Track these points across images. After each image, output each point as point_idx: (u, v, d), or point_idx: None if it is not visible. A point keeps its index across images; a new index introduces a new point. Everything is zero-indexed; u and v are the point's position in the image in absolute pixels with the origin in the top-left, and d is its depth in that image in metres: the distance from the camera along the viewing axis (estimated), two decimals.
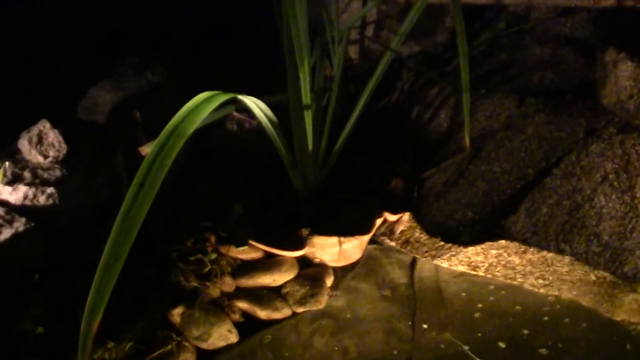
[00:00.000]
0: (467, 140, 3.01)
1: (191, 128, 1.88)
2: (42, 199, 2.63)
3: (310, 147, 2.80)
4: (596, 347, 2.54)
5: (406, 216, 3.07)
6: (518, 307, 2.74)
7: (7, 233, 2.48)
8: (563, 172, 2.84)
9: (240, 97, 2.27)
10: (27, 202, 2.63)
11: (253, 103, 2.43)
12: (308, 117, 2.75)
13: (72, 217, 2.72)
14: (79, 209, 2.76)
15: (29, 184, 2.65)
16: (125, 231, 1.76)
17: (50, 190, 2.65)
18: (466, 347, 2.52)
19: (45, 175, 2.72)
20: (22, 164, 2.77)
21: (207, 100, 1.97)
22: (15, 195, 2.63)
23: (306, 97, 2.69)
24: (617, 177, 2.73)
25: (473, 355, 2.47)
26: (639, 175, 2.72)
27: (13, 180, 2.68)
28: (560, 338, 2.57)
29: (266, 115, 2.55)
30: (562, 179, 2.83)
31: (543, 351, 2.49)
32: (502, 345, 2.53)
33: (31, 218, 2.59)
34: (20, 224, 2.53)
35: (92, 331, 1.75)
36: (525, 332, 2.63)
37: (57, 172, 2.75)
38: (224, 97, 2.03)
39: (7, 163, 2.68)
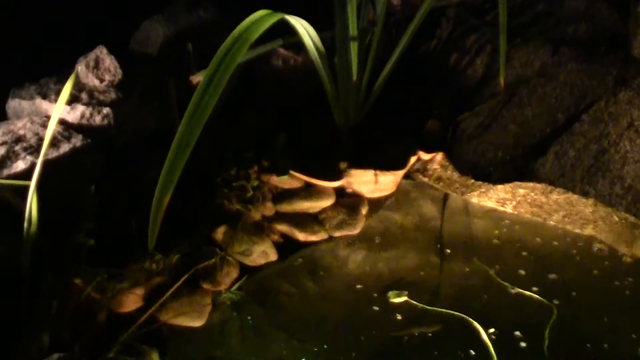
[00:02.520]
0: (502, 81, 3.16)
1: (253, 36, 2.06)
2: (98, 119, 2.81)
3: (354, 77, 2.96)
4: (613, 280, 2.72)
5: (439, 156, 3.24)
6: (540, 241, 2.92)
7: (65, 147, 2.66)
8: (591, 118, 2.99)
9: (289, 18, 2.43)
10: (84, 122, 2.81)
11: (302, 28, 2.59)
12: (354, 48, 2.91)
13: (126, 139, 2.88)
14: (132, 131, 2.92)
15: (86, 104, 2.81)
16: (195, 120, 1.96)
17: (106, 110, 2.82)
18: (492, 272, 2.67)
19: (101, 97, 2.90)
20: (79, 86, 2.95)
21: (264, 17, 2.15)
22: (72, 114, 2.81)
23: (353, 29, 2.85)
24: None
25: (497, 278, 2.64)
26: None
27: (70, 101, 2.86)
28: (579, 271, 2.76)
29: (314, 44, 2.71)
30: (590, 124, 2.98)
31: (556, 278, 2.67)
32: (522, 272, 2.69)
33: (87, 136, 2.76)
34: (77, 140, 2.71)
35: (162, 207, 1.96)
36: (546, 263, 2.80)
37: (113, 95, 2.92)
38: (275, 18, 2.21)
39: (79, 67, 2.86)
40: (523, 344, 2.44)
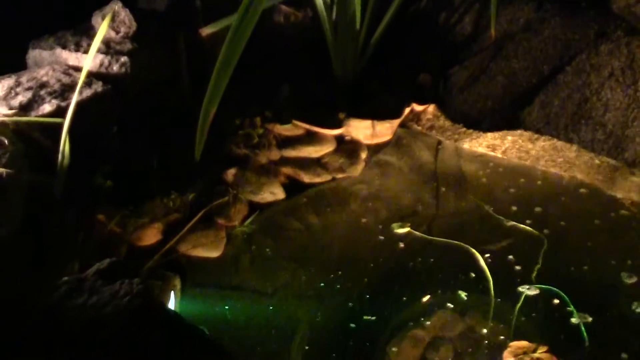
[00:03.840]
0: (492, 32, 3.40)
1: None
2: (115, 67, 3.01)
3: (357, 25, 3.19)
4: (595, 215, 2.99)
5: (431, 107, 3.49)
6: (529, 182, 3.17)
7: (87, 92, 2.85)
8: (574, 69, 3.25)
9: None
10: (102, 70, 3.00)
11: None
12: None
13: (140, 87, 3.08)
14: (147, 80, 3.12)
15: (104, 54, 3.02)
16: (234, 44, 2.21)
17: (123, 59, 3.02)
18: (487, 207, 2.93)
19: (118, 47, 3.09)
20: None
21: None
22: (92, 62, 3.00)
23: None
24: (623, 73, 3.14)
25: (491, 211, 2.89)
26: None
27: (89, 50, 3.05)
28: (565, 207, 3.03)
29: None
30: (573, 75, 3.24)
31: (545, 213, 2.98)
32: (514, 208, 2.94)
33: (107, 83, 2.96)
34: (98, 86, 2.91)
35: (209, 118, 2.25)
36: (535, 200, 3.05)
37: (128, 46, 3.11)
38: None
39: (95, 20, 3.05)
40: (517, 267, 2.62)
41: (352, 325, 2.50)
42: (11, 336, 1.74)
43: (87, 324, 1.80)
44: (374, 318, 2.53)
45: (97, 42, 2.60)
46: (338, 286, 2.66)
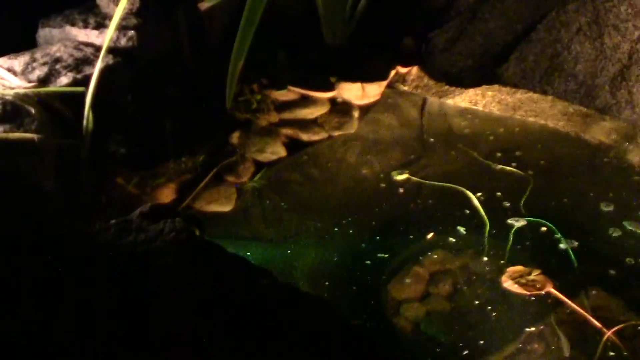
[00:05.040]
0: None
1: None
2: (123, 41, 3.24)
3: None
4: (571, 155, 3.29)
5: (415, 69, 3.76)
6: (510, 131, 3.46)
7: (100, 65, 3.08)
8: (545, 26, 3.55)
9: None
10: (111, 44, 3.22)
11: None
12: None
13: (148, 59, 3.32)
14: (153, 53, 3.36)
15: None
16: (256, 5, 2.43)
17: (130, 33, 3.25)
18: (474, 154, 3.22)
19: (124, 23, 3.31)
20: (102, 15, 3.38)
21: None
22: (101, 37, 3.22)
23: None
24: (589, 28, 3.44)
25: (478, 156, 3.19)
26: (607, 26, 3.39)
27: (97, 27, 3.28)
28: (545, 151, 3.32)
29: None
30: (544, 32, 3.54)
31: (527, 156, 3.27)
32: (499, 154, 3.23)
33: (116, 56, 3.20)
34: (109, 59, 3.13)
35: (237, 71, 2.48)
36: (517, 146, 3.34)
37: (134, 21, 3.33)
38: None
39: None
40: (507, 204, 2.92)
41: (368, 262, 2.72)
42: (76, 270, 1.95)
43: (140, 256, 2.02)
44: (387, 255, 2.75)
45: (116, 18, 2.82)
46: (350, 231, 2.88)
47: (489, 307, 2.53)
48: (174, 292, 1.84)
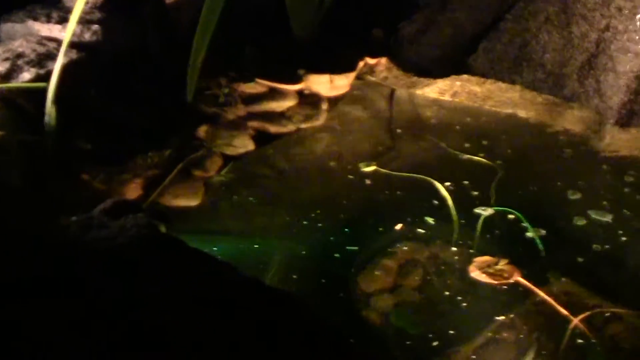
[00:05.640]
0: None
1: None
2: (87, 35, 3.20)
3: None
4: (541, 145, 3.32)
5: (384, 60, 3.75)
6: (479, 121, 3.46)
7: (64, 60, 3.04)
8: (514, 16, 3.55)
9: None
10: (75, 39, 3.18)
11: None
12: None
13: (112, 55, 3.28)
14: (117, 48, 3.32)
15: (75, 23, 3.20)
16: None
17: (95, 27, 3.21)
18: (443, 144, 3.21)
19: (88, 17, 3.27)
20: (65, 9, 3.33)
21: None
22: (64, 32, 3.18)
23: None
24: (557, 17, 3.44)
25: (446, 147, 3.18)
26: (574, 15, 3.40)
27: (60, 21, 3.24)
28: (513, 140, 3.33)
29: None
30: (513, 22, 3.54)
31: (496, 146, 3.27)
32: (467, 145, 3.22)
33: (80, 51, 3.16)
34: (73, 54, 3.09)
35: (198, 64, 2.43)
36: (485, 136, 3.34)
37: (98, 15, 3.30)
38: None
39: None
40: (475, 193, 2.92)
41: (337, 255, 2.70)
42: (36, 268, 1.92)
43: (101, 253, 1.99)
44: (356, 248, 2.73)
45: (76, 14, 2.76)
46: (319, 224, 2.86)
47: (459, 297, 2.52)
48: (135, 288, 1.79)
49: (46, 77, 2.84)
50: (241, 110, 3.38)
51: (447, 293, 2.56)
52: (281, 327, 1.71)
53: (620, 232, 2.77)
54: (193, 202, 2.98)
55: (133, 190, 2.99)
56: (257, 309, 1.74)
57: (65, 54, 2.96)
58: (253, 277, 1.88)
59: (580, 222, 2.82)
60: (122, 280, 1.78)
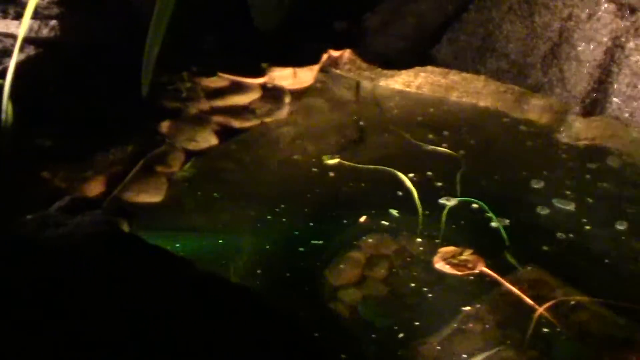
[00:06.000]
0: None
1: None
2: (45, 31, 3.15)
3: None
4: (506, 135, 3.32)
5: (348, 52, 3.73)
6: (443, 112, 3.45)
7: (21, 56, 2.99)
8: (476, 6, 3.54)
9: None
10: (32, 34, 3.13)
11: None
12: None
13: (72, 50, 3.23)
14: (77, 43, 3.27)
15: (33, 19, 3.15)
16: None
17: (52, 22, 3.16)
18: (407, 135, 3.20)
19: (46, 12, 3.22)
20: (22, 5, 3.27)
21: None
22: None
23: None
24: (520, 7, 3.44)
25: (410, 138, 3.17)
26: (537, 5, 3.40)
27: (17, 17, 3.19)
28: (478, 131, 3.32)
29: None
30: (476, 12, 3.53)
31: (461, 136, 3.27)
32: (431, 136, 3.22)
33: (39, 47, 3.11)
34: (30, 50, 3.05)
35: (152, 60, 2.40)
36: (449, 126, 3.35)
37: (56, 10, 3.25)
38: None
39: None
40: (439, 184, 2.91)
41: (302, 249, 2.68)
42: None
43: (58, 251, 1.95)
44: (321, 241, 2.72)
45: (30, 9, 2.70)
46: (284, 219, 2.83)
47: (425, 289, 2.51)
48: (92, 285, 1.76)
49: (3, 74, 2.74)
50: (204, 104, 3.34)
51: (413, 285, 2.55)
52: (238, 321, 1.67)
53: (584, 220, 2.77)
54: (156, 198, 2.94)
55: (95, 187, 2.94)
56: (214, 304, 1.71)
57: (22, 50, 2.90)
58: (211, 273, 1.85)
59: (544, 211, 2.81)
60: (76, 278, 1.72)
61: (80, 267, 1.85)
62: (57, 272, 1.85)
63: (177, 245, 2.66)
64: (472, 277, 2.55)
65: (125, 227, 2.74)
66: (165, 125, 3.19)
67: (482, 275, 2.53)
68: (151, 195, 2.95)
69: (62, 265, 1.88)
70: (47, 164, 2.93)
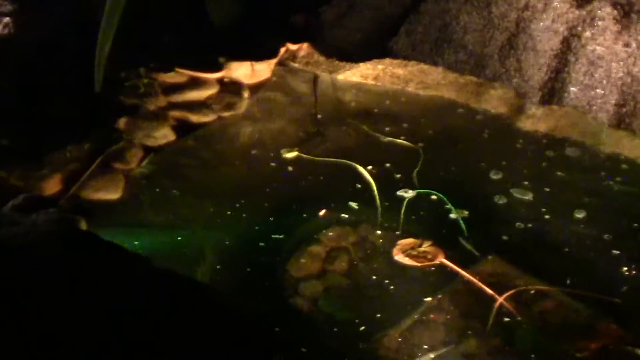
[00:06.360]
0: None
1: None
2: None
3: None
4: (464, 126, 3.33)
5: (305, 45, 3.72)
6: (401, 104, 3.47)
7: None
8: None
9: None
10: None
11: None
12: None
13: (26, 48, 3.19)
14: (32, 40, 3.23)
15: None
16: None
17: (5, 20, 3.11)
18: (365, 128, 3.19)
19: None
20: None
21: None
22: None
23: None
24: None
25: (369, 130, 3.17)
26: None
27: None
28: (436, 122, 3.34)
29: None
30: (432, 3, 3.55)
31: (415, 127, 3.26)
32: (390, 128, 3.24)
33: None
34: None
35: (104, 54, 2.39)
36: (408, 118, 3.35)
37: (9, 7, 3.20)
38: None
39: None
40: (398, 176, 2.91)
41: (262, 244, 2.67)
42: None
43: (12, 249, 1.93)
44: (281, 236, 2.71)
45: None
46: (244, 214, 2.83)
47: (386, 281, 2.52)
48: (46, 284, 1.74)
49: None
50: (161, 100, 3.32)
51: (374, 277, 2.55)
52: (195, 318, 1.66)
53: (543, 209, 2.79)
54: (114, 195, 2.93)
55: (52, 186, 2.91)
56: (171, 301, 1.69)
57: None
58: (169, 270, 1.83)
59: (503, 201, 2.81)
60: (30, 277, 1.70)
61: (34, 266, 1.82)
62: (11, 271, 1.80)
63: (136, 242, 2.63)
64: (432, 269, 2.53)
65: (84, 225, 2.69)
66: (122, 122, 3.16)
67: (442, 266, 2.48)
68: (109, 193, 2.92)
69: (16, 264, 1.84)
70: (2, 163, 2.90)
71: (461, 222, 2.71)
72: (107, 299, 1.67)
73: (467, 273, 2.46)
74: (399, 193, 2.83)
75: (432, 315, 2.36)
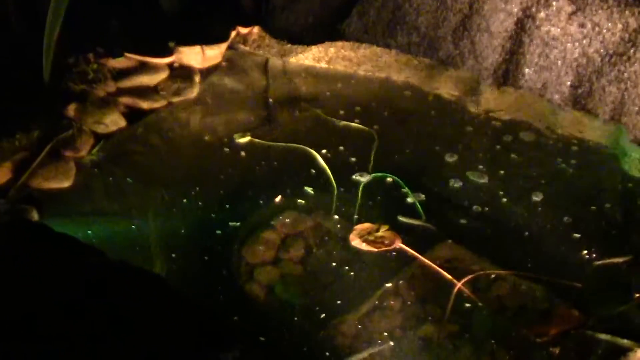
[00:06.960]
0: None
1: None
2: None
3: None
4: (419, 109, 3.32)
5: (256, 29, 3.67)
6: (355, 87, 3.44)
7: None
8: None
9: None
10: None
11: None
12: None
13: None
14: None
15: None
16: None
17: None
18: (319, 111, 3.16)
19: None
20: None
21: None
22: None
23: None
24: None
25: (322, 114, 3.14)
26: None
27: None
28: (390, 105, 3.32)
29: None
30: None
31: (373, 111, 3.29)
32: (343, 111, 3.26)
33: None
34: None
35: (52, 43, 2.31)
36: (362, 101, 3.34)
37: None
38: None
39: None
40: (353, 159, 2.89)
41: (218, 231, 2.64)
42: None
43: None
44: (237, 223, 2.68)
45: None
46: (199, 202, 2.80)
47: (344, 267, 2.51)
48: None
49: None
50: (111, 86, 3.26)
51: (331, 262, 2.54)
52: (149, 309, 1.63)
53: (500, 193, 2.81)
54: (65, 184, 2.87)
55: (1, 175, 2.84)
56: (123, 292, 1.66)
57: None
58: (121, 260, 1.79)
59: (459, 184, 2.81)
60: None
61: None
62: None
63: (89, 232, 2.60)
64: (389, 254, 2.48)
65: (34, 215, 2.64)
66: (72, 109, 3.10)
67: (399, 251, 2.45)
68: (60, 181, 2.87)
69: None
70: None
71: (418, 205, 2.71)
72: (59, 291, 1.62)
73: (425, 258, 2.39)
74: (355, 177, 2.76)
75: (390, 301, 2.36)
